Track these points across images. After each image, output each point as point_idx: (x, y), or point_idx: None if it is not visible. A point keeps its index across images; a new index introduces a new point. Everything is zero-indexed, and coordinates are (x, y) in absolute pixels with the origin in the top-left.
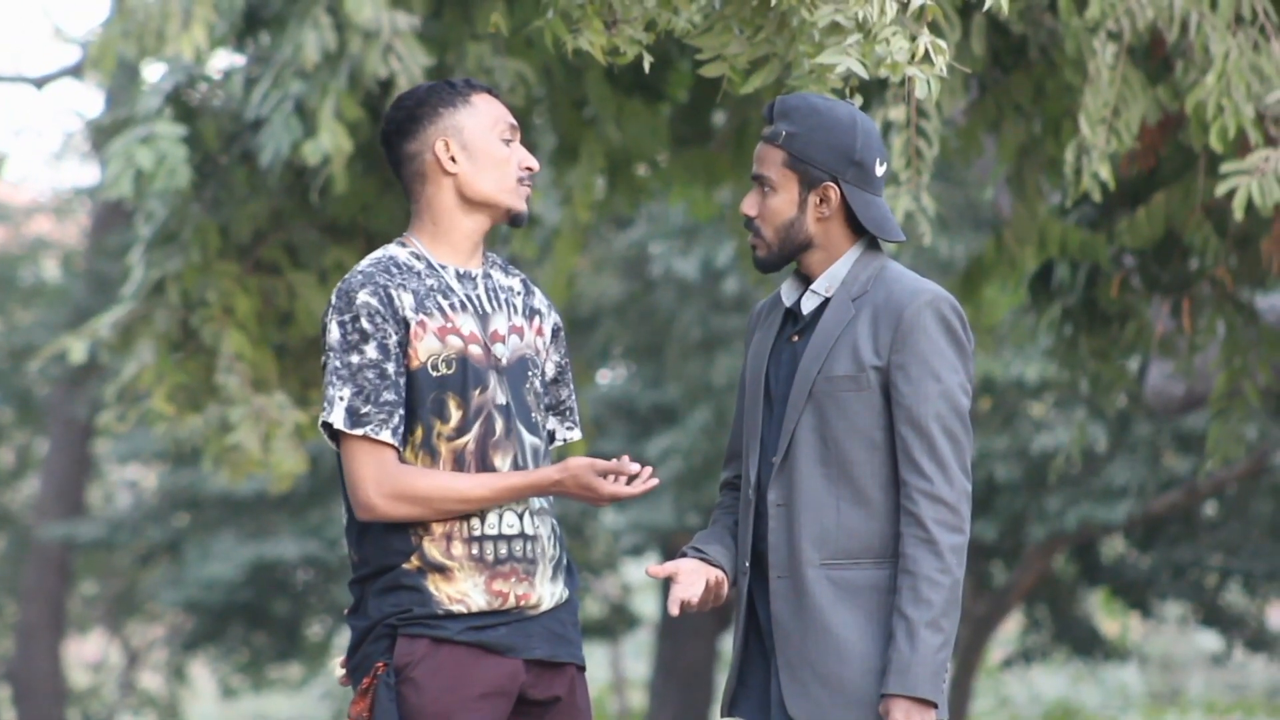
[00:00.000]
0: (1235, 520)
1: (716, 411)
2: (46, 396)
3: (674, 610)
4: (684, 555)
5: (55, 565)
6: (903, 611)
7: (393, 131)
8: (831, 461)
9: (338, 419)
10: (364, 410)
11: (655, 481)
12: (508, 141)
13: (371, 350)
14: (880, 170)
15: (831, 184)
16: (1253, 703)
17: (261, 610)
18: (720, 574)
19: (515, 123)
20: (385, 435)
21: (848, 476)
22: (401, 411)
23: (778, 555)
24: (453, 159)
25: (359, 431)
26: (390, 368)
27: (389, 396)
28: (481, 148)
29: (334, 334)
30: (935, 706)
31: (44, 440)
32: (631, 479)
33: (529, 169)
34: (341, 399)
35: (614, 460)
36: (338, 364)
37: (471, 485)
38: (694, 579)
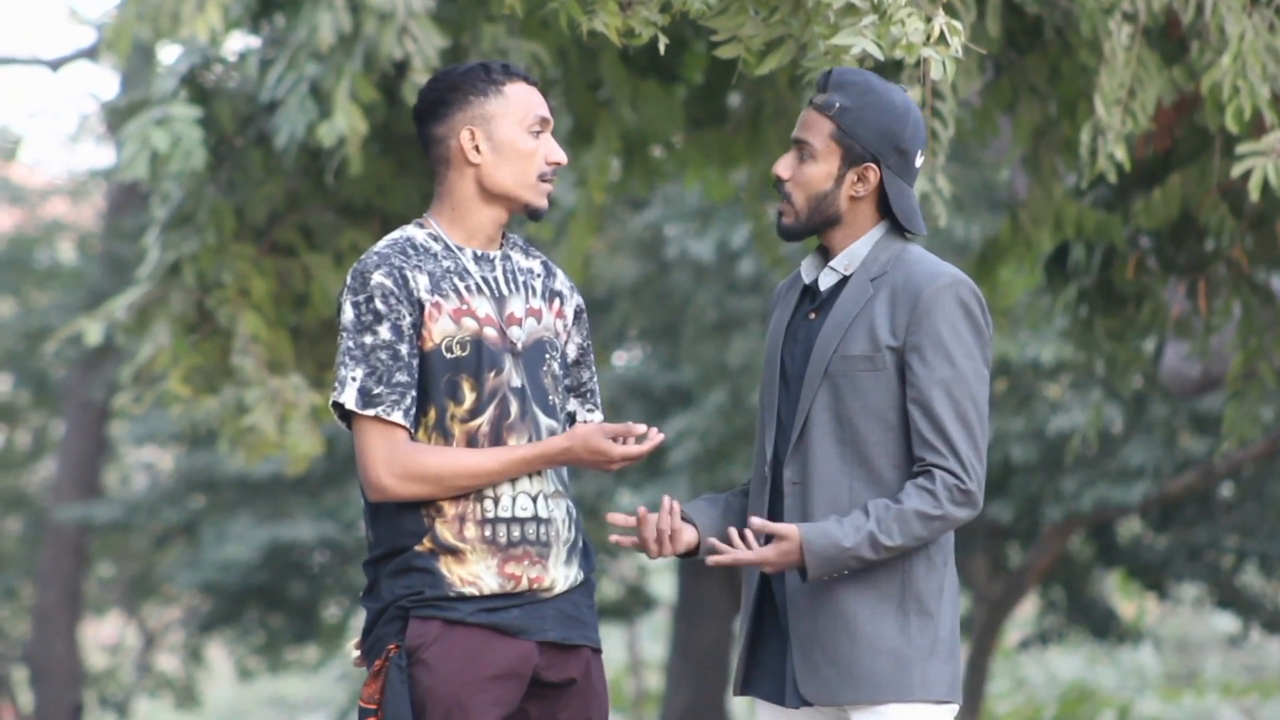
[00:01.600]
0: (1251, 501)
1: (732, 393)
2: (63, 379)
3: (613, 536)
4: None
5: (72, 547)
6: (868, 511)
7: (423, 111)
8: (846, 441)
9: (349, 399)
10: (376, 391)
11: (662, 437)
12: (536, 134)
13: (385, 331)
14: (919, 162)
15: (873, 165)
16: (1269, 684)
17: (278, 592)
18: (676, 524)
19: (547, 115)
20: (397, 416)
21: (862, 456)
22: (414, 393)
23: None
24: (477, 148)
25: (370, 412)
26: (403, 349)
27: (401, 378)
28: (507, 140)
29: (348, 314)
30: (803, 570)
31: (60, 422)
32: (639, 440)
33: (555, 163)
34: (354, 379)
35: (620, 424)
36: (351, 344)
37: (480, 460)
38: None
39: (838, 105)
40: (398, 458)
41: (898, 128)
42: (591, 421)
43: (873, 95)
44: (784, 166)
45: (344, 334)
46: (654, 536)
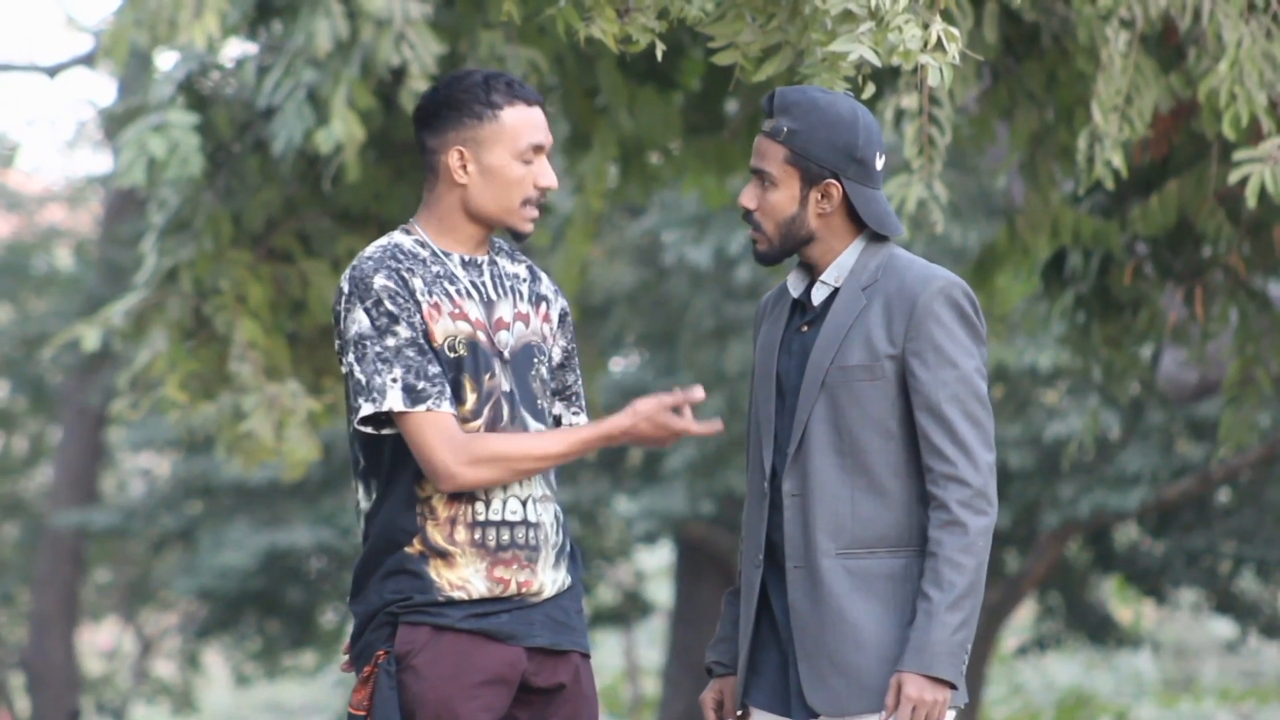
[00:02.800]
0: (1249, 507)
1: (729, 400)
2: (59, 385)
3: None
4: (708, 671)
5: (68, 553)
6: (925, 592)
7: (420, 116)
8: (846, 451)
9: (396, 402)
10: (419, 386)
11: (719, 424)
12: (528, 160)
13: (404, 329)
14: (880, 164)
15: (833, 181)
16: (1266, 689)
17: (275, 598)
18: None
19: (542, 140)
20: (445, 405)
21: (862, 466)
22: (448, 381)
23: (793, 545)
24: (464, 169)
25: (420, 408)
26: (424, 343)
27: (435, 369)
28: (496, 167)
29: (363, 322)
30: (952, 687)
31: (57, 428)
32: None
33: (543, 189)
34: (395, 381)
35: (678, 392)
36: (378, 349)
37: (546, 442)
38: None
39: (786, 129)
40: (460, 445)
41: (850, 138)
42: (577, 425)
43: (818, 112)
44: (749, 197)
45: (366, 342)
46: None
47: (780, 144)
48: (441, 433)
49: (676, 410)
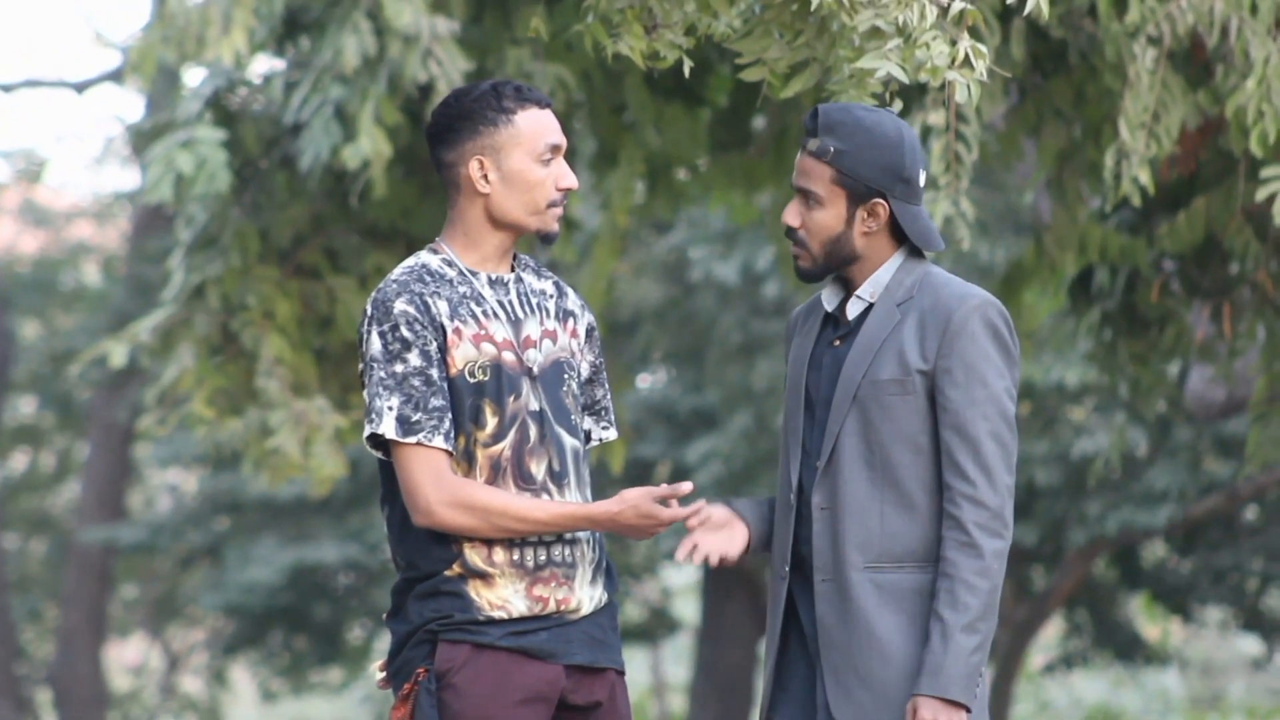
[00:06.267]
0: (1276, 525)
1: (756, 416)
2: (87, 401)
3: (680, 555)
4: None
5: (96, 569)
6: (939, 614)
7: (433, 134)
8: (876, 465)
9: (389, 429)
10: (415, 418)
11: (707, 515)
12: (547, 161)
13: (415, 358)
14: (923, 180)
15: (880, 201)
16: None
17: (302, 614)
18: (743, 529)
19: (559, 140)
20: (438, 441)
21: (892, 480)
22: (450, 416)
23: (821, 558)
24: (485, 178)
25: (411, 440)
26: (434, 373)
27: (437, 402)
28: (516, 171)
29: (375, 345)
30: (966, 710)
31: (85, 444)
32: (684, 501)
33: (565, 189)
34: (390, 408)
35: (664, 486)
36: (383, 374)
37: (530, 507)
38: (715, 534)
39: (832, 149)
40: (445, 484)
41: (896, 159)
42: (607, 439)
43: (864, 133)
44: (792, 215)
45: (374, 365)
46: (720, 546)
47: (827, 164)
48: (428, 468)
49: (663, 502)
